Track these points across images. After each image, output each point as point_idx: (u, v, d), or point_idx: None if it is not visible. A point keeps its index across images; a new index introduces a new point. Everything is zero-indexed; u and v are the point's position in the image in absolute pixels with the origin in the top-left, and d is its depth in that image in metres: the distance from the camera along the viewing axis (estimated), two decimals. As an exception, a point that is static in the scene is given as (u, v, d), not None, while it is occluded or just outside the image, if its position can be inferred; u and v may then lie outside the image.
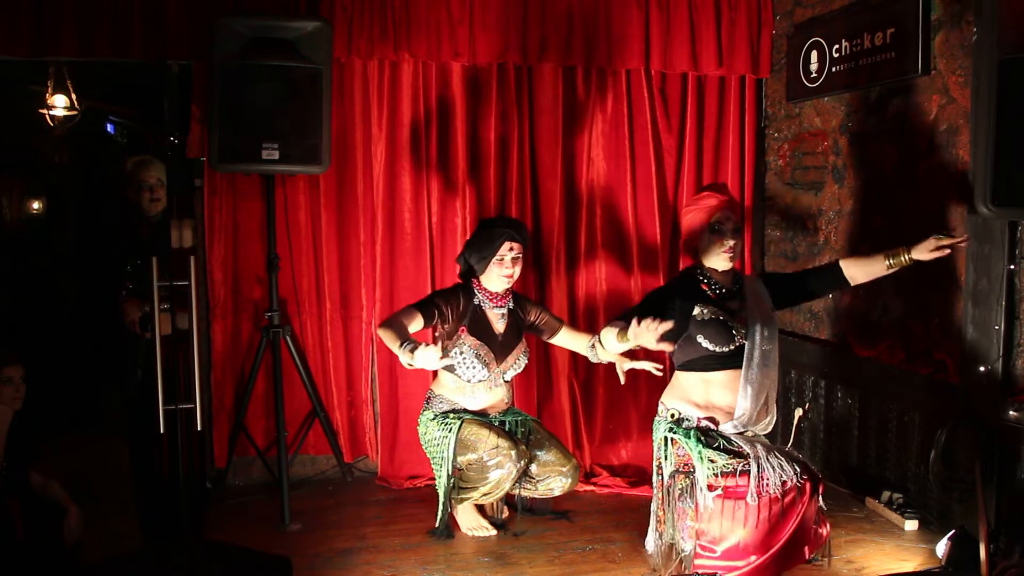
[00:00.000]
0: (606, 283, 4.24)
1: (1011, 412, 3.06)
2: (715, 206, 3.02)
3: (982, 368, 3.15)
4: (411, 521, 3.58)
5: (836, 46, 3.89)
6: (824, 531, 3.00)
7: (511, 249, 3.29)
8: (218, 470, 3.98)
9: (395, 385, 4.06)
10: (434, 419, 3.38)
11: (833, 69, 3.92)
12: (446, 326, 3.31)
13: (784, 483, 2.84)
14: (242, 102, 3.32)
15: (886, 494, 3.58)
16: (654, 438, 3.09)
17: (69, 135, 6.40)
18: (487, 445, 3.22)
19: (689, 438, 2.94)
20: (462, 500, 3.38)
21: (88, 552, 3.17)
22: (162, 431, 3.32)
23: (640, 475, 3.97)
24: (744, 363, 2.96)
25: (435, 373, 3.49)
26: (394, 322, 3.10)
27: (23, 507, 3.08)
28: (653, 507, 3.10)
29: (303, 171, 3.59)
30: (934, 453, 3.33)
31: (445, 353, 3.01)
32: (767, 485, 2.82)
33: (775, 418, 3.10)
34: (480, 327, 3.34)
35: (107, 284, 3.91)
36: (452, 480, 3.31)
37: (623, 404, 4.23)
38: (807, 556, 2.97)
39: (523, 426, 3.46)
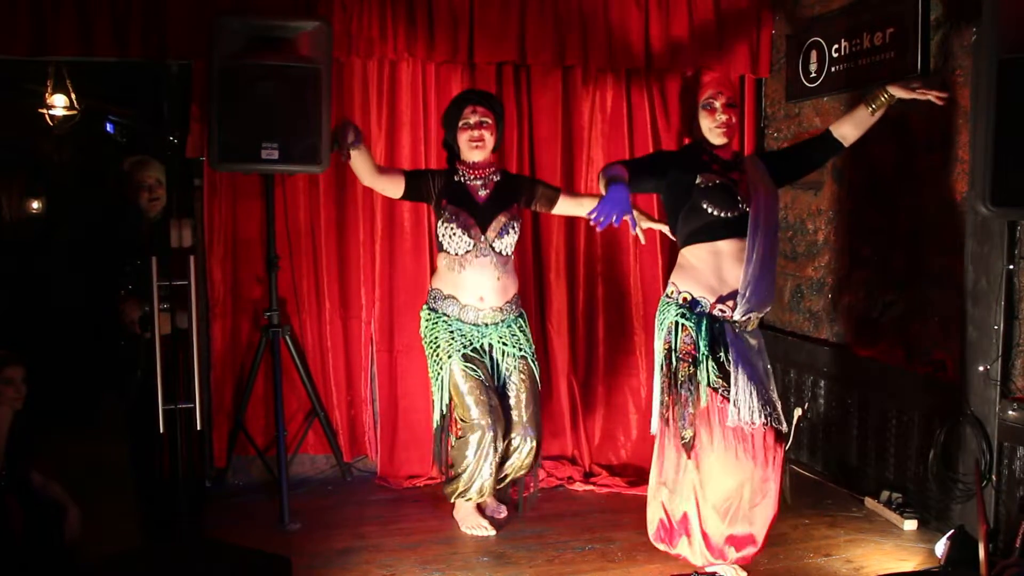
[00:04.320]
0: (605, 283, 4.24)
1: (1011, 412, 3.07)
2: (708, 83, 3.04)
3: (982, 368, 3.15)
4: (411, 521, 3.58)
5: (836, 46, 3.89)
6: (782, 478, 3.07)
7: (475, 112, 3.34)
8: (218, 469, 3.98)
9: (394, 385, 4.06)
10: (428, 319, 3.43)
11: (833, 69, 3.92)
12: (432, 201, 3.39)
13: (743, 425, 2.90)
14: (241, 102, 3.32)
15: (885, 494, 3.58)
16: (660, 320, 3.09)
17: (69, 135, 6.40)
18: (467, 414, 3.31)
19: (700, 330, 2.96)
20: (451, 494, 3.42)
21: (88, 552, 3.16)
22: (162, 431, 3.32)
23: (639, 475, 3.97)
24: (748, 231, 2.95)
25: (434, 265, 3.49)
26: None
27: (23, 507, 3.08)
28: (656, 393, 3.11)
29: (303, 171, 3.59)
30: (934, 453, 3.33)
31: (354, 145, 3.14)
32: (739, 416, 2.89)
33: (772, 299, 3.08)
34: (459, 196, 3.38)
35: (107, 284, 3.90)
36: (444, 420, 3.44)
37: (622, 404, 4.23)
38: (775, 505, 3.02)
39: (510, 357, 3.43)
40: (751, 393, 2.90)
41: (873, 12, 3.68)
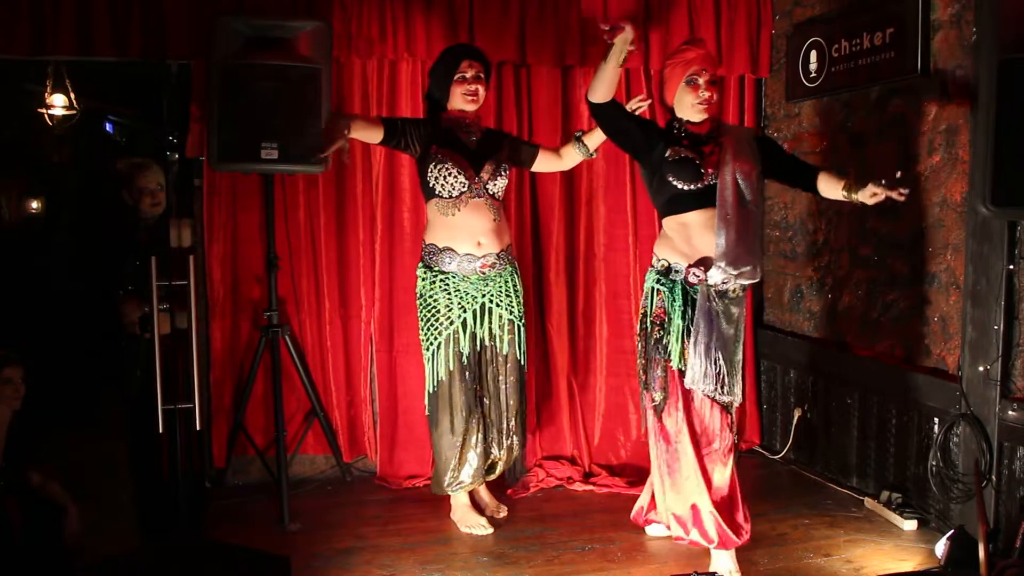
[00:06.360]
0: (605, 283, 4.24)
1: (1011, 412, 3.07)
2: (692, 59, 3.07)
3: (981, 368, 3.15)
4: (410, 521, 3.58)
5: (835, 46, 3.89)
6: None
7: (471, 66, 3.37)
8: (217, 470, 3.98)
9: (394, 385, 4.06)
10: (425, 278, 3.43)
11: (832, 69, 3.92)
12: (417, 149, 3.38)
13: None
14: (241, 102, 3.31)
15: (885, 494, 3.58)
16: (644, 289, 3.19)
17: (68, 134, 6.40)
18: (453, 418, 3.39)
19: (674, 295, 3.05)
20: (442, 486, 3.48)
21: (88, 552, 3.16)
22: (161, 431, 3.32)
23: (639, 475, 3.97)
24: (717, 203, 2.99)
25: (426, 217, 3.51)
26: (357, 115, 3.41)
27: (22, 507, 3.08)
28: (638, 359, 3.22)
29: (302, 171, 3.59)
30: (933, 453, 3.33)
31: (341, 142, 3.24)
32: (691, 380, 3.00)
33: (760, 271, 3.09)
34: (450, 140, 3.39)
35: (107, 284, 3.90)
36: (436, 384, 3.43)
37: (622, 404, 4.23)
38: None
39: (500, 320, 3.45)
40: (703, 361, 2.98)
41: (873, 12, 3.68)
